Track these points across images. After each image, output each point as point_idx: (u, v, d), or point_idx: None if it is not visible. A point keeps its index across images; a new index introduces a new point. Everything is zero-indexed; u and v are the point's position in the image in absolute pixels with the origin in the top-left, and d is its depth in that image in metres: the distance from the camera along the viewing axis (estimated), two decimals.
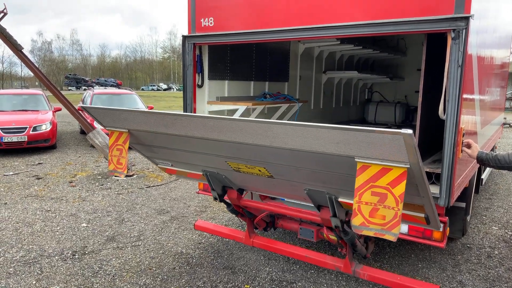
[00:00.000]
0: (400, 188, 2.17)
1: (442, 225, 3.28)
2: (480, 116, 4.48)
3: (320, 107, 7.36)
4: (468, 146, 3.28)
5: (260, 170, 3.05)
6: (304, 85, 6.76)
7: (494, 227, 5.73)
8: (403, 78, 9.08)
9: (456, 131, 3.08)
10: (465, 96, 3.18)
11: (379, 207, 2.25)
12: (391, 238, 2.27)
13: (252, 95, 5.52)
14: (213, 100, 4.84)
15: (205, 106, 4.79)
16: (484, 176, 6.36)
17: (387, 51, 7.74)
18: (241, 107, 4.63)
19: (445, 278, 4.25)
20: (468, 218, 5.34)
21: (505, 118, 9.20)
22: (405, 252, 4.86)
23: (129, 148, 3.43)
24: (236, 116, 4.71)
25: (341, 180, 2.62)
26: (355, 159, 2.23)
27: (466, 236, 5.36)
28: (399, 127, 8.48)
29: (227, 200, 3.92)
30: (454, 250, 4.93)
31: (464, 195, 4.52)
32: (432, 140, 3.87)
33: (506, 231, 5.61)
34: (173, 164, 3.78)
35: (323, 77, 7.30)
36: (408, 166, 2.12)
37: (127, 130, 3.30)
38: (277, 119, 5.69)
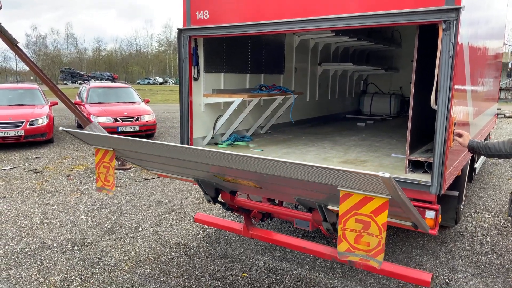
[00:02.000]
0: (383, 217, 2.21)
1: (434, 212, 3.36)
2: (472, 106, 4.56)
3: (315, 99, 7.42)
4: (460, 135, 3.35)
5: (248, 183, 3.13)
6: (299, 77, 6.81)
7: (487, 215, 5.84)
8: (398, 69, 9.15)
9: (447, 120, 3.14)
10: (456, 86, 3.25)
11: (363, 234, 2.28)
12: (375, 265, 2.30)
13: (247, 87, 5.57)
14: (209, 93, 4.89)
15: (201, 99, 4.84)
16: (477, 165, 6.45)
17: (382, 43, 7.79)
18: (237, 100, 4.68)
19: (438, 265, 4.35)
20: (461, 206, 5.43)
21: (499, 109, 9.28)
22: (399, 240, 4.95)
23: None
24: (232, 108, 4.76)
25: (329, 195, 2.67)
26: (338, 188, 2.27)
27: (459, 224, 5.45)
28: (394, 118, 8.56)
29: (222, 200, 4.01)
30: (447, 238, 5.02)
31: (457, 184, 4.61)
32: (425, 130, 3.94)
33: (499, 219, 5.71)
34: (164, 172, 3.86)
35: (319, 69, 7.35)
36: (390, 197, 2.17)
37: (112, 149, 3.36)
38: (272, 111, 5.75)
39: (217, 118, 4.99)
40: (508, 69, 12.55)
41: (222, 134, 5.15)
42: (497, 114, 9.36)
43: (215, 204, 4.01)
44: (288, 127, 6.49)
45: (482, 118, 5.82)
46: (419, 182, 3.31)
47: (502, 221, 5.63)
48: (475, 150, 3.33)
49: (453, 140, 3.33)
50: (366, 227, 2.25)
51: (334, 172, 2.12)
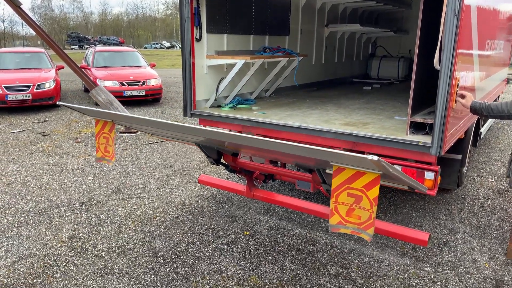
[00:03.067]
0: (374, 192, 2.24)
1: (433, 173, 3.38)
2: (479, 70, 4.46)
3: (321, 62, 7.31)
4: (463, 96, 3.31)
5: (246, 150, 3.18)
6: (305, 39, 6.68)
7: (490, 179, 5.85)
8: (408, 32, 8.92)
9: (450, 81, 3.10)
10: (461, 46, 3.18)
11: (355, 208, 2.31)
12: (366, 237, 2.34)
13: (251, 49, 5.49)
14: (212, 54, 4.84)
15: (203, 61, 4.80)
16: (483, 129, 6.40)
17: (391, 4, 7.57)
18: (240, 61, 4.63)
19: (437, 226, 4.42)
20: (464, 170, 5.44)
21: (510, 74, 9.03)
22: (400, 202, 5.01)
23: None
24: (235, 70, 4.72)
25: (324, 163, 2.69)
26: (331, 163, 2.29)
27: (461, 187, 5.48)
28: (402, 82, 8.44)
29: (224, 162, 4.07)
30: (449, 201, 5.07)
31: (460, 147, 4.60)
32: (428, 93, 3.90)
33: (502, 182, 5.72)
34: (166, 137, 3.91)
35: (325, 31, 7.20)
36: (381, 173, 2.18)
37: (111, 120, 3.38)
38: (276, 74, 5.69)
39: (220, 80, 4.97)
40: None
41: (226, 97, 5.14)
42: (508, 79, 9.15)
43: (218, 165, 4.08)
44: (292, 91, 6.45)
45: (489, 83, 5.70)
46: (419, 143, 3.32)
47: (505, 185, 5.64)
48: (477, 112, 3.30)
49: (455, 101, 3.30)
50: (357, 201, 2.30)
51: (325, 152, 2.18)
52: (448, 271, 3.57)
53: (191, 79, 4.61)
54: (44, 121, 9.74)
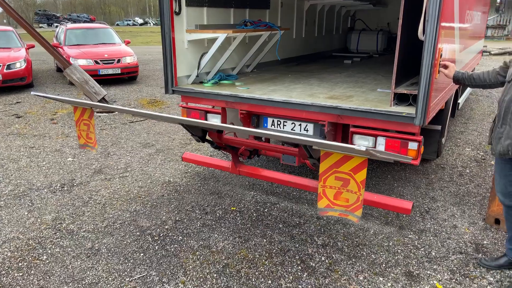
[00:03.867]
0: (362, 175, 2.26)
1: (417, 143, 3.44)
2: (459, 42, 4.51)
3: (302, 36, 7.24)
4: (445, 67, 3.34)
5: None
6: (286, 13, 6.58)
7: (467, 149, 6.02)
8: (386, 4, 8.91)
9: (434, 51, 3.11)
10: (444, 17, 3.18)
11: (342, 191, 2.34)
12: (354, 219, 2.38)
13: (232, 23, 5.37)
14: (192, 29, 4.71)
15: (184, 35, 4.67)
16: (460, 100, 6.54)
17: None
18: (221, 35, 4.53)
19: (419, 195, 4.54)
20: (443, 140, 5.57)
21: (485, 46, 9.21)
22: (381, 173, 5.11)
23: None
24: (217, 44, 4.63)
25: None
26: (318, 148, 2.32)
27: (440, 157, 5.63)
28: (381, 55, 8.48)
29: (209, 139, 4.04)
30: (428, 170, 5.20)
31: (440, 118, 4.69)
32: (410, 65, 3.93)
33: (478, 151, 5.90)
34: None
35: (306, 4, 7.10)
36: (368, 157, 2.20)
37: (90, 107, 3.30)
38: (258, 49, 5.62)
39: (202, 55, 4.86)
40: (497, 4, 12.34)
41: (207, 73, 5.05)
42: (482, 51, 9.32)
43: (203, 142, 4.06)
44: (274, 66, 6.39)
45: (467, 55, 5.79)
46: (404, 114, 3.35)
47: (482, 153, 5.82)
48: (460, 81, 3.36)
49: (438, 71, 3.33)
50: (345, 184, 2.32)
51: (314, 142, 2.21)
52: (431, 237, 3.69)
53: (171, 55, 4.49)
54: (17, 102, 9.40)
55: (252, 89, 4.52)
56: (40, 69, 14.54)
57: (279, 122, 4.31)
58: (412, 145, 3.47)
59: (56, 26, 15.83)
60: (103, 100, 8.38)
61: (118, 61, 11.60)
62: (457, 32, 4.27)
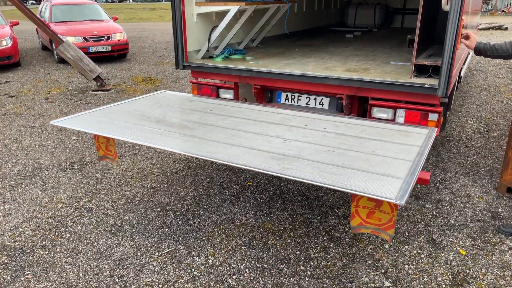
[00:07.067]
0: None
1: (437, 114, 3.48)
2: (469, 13, 4.53)
3: (303, 10, 7.16)
4: (467, 37, 3.36)
5: None
6: None
7: (469, 121, 6.14)
8: None
9: (459, 22, 3.13)
10: None
11: (375, 211, 2.33)
12: (386, 237, 2.38)
13: None
14: (202, 1, 4.60)
15: (193, 8, 4.56)
16: (463, 73, 6.61)
17: None
18: (234, 8, 4.44)
19: (430, 167, 4.63)
20: (448, 113, 5.66)
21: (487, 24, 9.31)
22: None
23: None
24: (229, 16, 4.53)
25: None
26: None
27: (444, 130, 5.73)
28: (379, 29, 8.46)
29: None
30: (435, 143, 5.29)
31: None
32: (428, 37, 3.95)
33: (480, 124, 6.02)
34: None
35: None
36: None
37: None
38: (265, 23, 5.53)
39: (212, 29, 4.77)
40: None
41: (215, 48, 4.96)
42: (478, 26, 9.39)
43: None
44: (277, 41, 6.32)
45: (471, 29, 5.82)
46: (426, 86, 3.38)
47: (484, 126, 5.94)
48: (481, 52, 3.38)
49: (460, 42, 3.35)
50: (378, 205, 2.31)
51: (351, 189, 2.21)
52: (448, 207, 3.79)
53: (181, 29, 4.39)
54: (6, 81, 9.09)
55: (264, 63, 4.48)
56: (25, 48, 14.05)
57: (293, 97, 4.29)
58: (433, 116, 3.51)
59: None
60: (98, 78, 8.18)
61: (108, 38, 11.29)
62: (469, 5, 4.28)
